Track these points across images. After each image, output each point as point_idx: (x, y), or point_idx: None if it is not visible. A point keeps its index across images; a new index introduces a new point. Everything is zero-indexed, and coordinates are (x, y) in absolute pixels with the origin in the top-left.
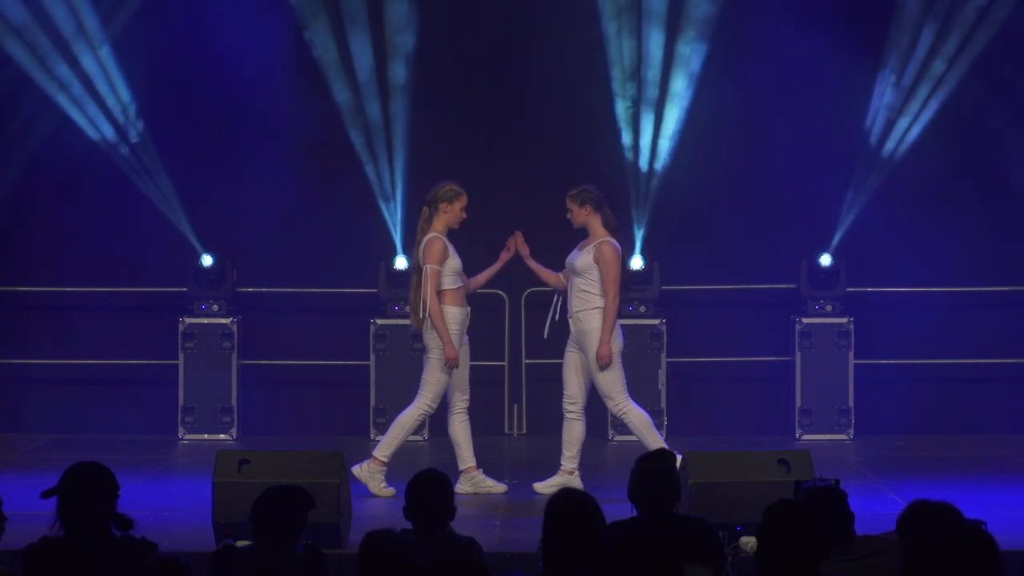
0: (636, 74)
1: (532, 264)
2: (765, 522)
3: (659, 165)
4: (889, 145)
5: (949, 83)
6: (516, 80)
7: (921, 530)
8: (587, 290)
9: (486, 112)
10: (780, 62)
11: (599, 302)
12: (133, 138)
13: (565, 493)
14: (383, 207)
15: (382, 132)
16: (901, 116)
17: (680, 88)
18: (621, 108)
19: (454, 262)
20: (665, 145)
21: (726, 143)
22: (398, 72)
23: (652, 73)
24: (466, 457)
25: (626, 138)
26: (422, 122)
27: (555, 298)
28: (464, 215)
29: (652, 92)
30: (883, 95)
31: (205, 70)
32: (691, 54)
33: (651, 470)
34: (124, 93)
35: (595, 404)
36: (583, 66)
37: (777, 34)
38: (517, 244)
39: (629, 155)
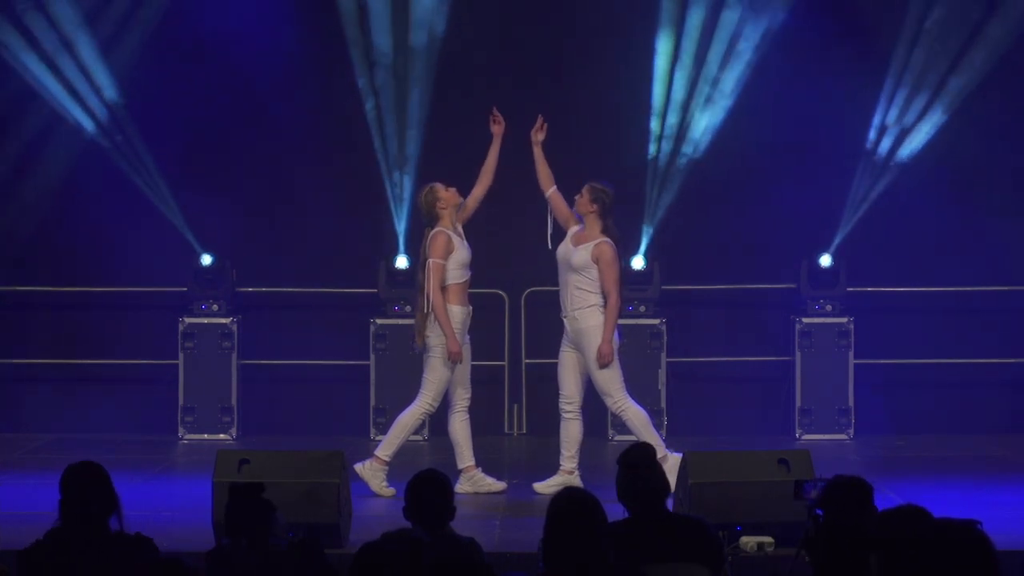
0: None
1: (537, 153)
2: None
3: (680, 164)
4: (892, 149)
5: (955, 89)
6: (532, 72)
7: (893, 536)
8: (583, 288)
9: (497, 107)
10: (784, 64)
11: (595, 300)
12: (131, 137)
13: (568, 492)
14: (386, 205)
15: (385, 130)
16: (905, 120)
17: (706, 93)
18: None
19: (461, 254)
20: (690, 147)
21: (726, 143)
22: (405, 66)
23: (679, 78)
24: (465, 456)
25: (653, 136)
26: (428, 118)
27: (548, 208)
28: (450, 188)
29: (680, 95)
30: (888, 99)
31: (205, 68)
32: (718, 59)
33: (633, 464)
34: (124, 92)
35: (596, 403)
36: (605, 65)
37: (782, 37)
38: (535, 129)
39: (652, 153)
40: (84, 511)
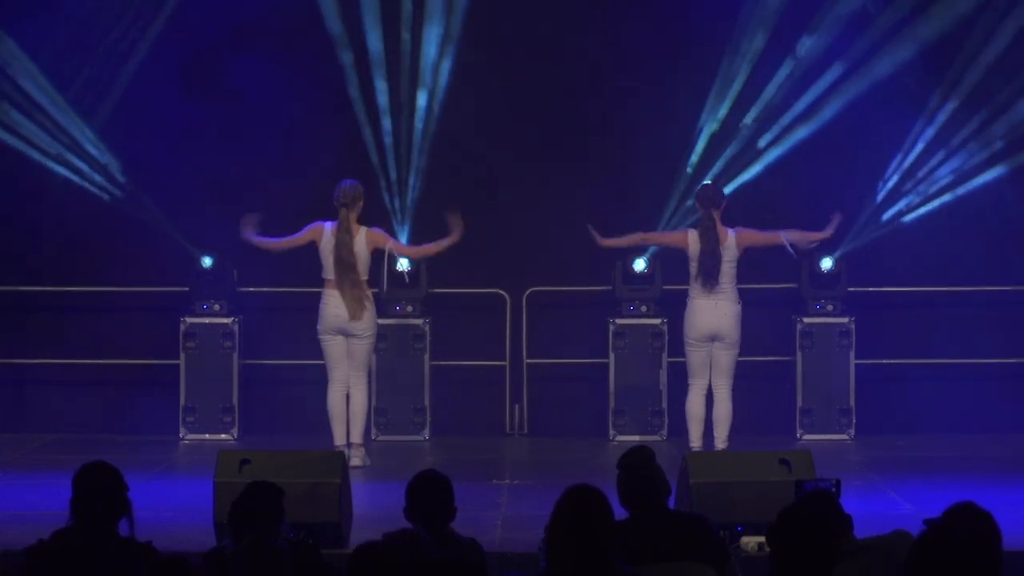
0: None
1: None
2: (774, 527)
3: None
4: (914, 172)
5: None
6: (551, 76)
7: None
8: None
9: (504, 108)
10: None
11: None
12: (131, 136)
13: (578, 488)
14: (387, 206)
15: (388, 128)
16: (937, 151)
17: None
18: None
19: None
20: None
21: (735, 143)
22: (409, 64)
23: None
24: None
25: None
26: (429, 118)
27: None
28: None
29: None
30: (904, 118)
31: (206, 67)
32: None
33: (630, 465)
34: (124, 92)
35: (598, 402)
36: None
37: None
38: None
39: (692, 164)
40: (92, 513)
